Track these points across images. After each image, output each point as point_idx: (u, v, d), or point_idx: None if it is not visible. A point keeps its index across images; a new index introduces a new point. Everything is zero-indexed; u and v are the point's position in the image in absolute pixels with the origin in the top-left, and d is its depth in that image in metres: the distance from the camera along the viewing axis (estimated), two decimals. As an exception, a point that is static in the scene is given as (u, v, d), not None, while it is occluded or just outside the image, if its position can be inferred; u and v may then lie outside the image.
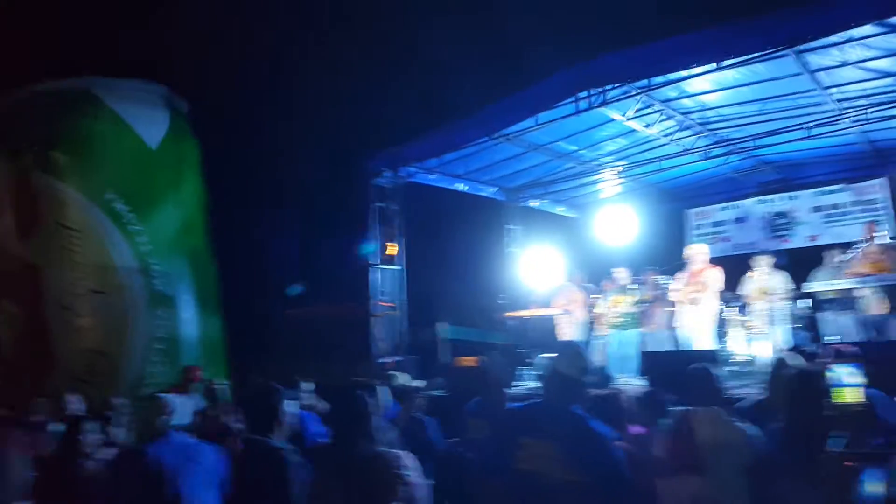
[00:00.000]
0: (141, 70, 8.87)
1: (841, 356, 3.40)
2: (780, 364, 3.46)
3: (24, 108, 8.89)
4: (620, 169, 9.95)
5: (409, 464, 2.57)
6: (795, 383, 2.86)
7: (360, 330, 9.37)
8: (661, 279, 9.05)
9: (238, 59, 9.73)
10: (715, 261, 8.49)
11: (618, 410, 3.31)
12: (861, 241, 7.69)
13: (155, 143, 9.29)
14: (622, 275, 8.77)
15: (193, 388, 6.89)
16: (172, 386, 6.88)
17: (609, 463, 2.47)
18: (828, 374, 1.96)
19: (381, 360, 9.05)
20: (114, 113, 9.00)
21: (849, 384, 1.98)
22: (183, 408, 5.14)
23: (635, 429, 3.77)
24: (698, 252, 8.19)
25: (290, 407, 3.44)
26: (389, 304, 9.28)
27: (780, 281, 8.05)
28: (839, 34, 5.95)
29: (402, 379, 6.12)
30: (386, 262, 9.29)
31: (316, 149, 10.16)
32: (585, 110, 7.48)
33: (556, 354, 2.74)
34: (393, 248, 9.28)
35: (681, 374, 3.65)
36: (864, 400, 1.98)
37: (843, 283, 7.40)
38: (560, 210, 12.04)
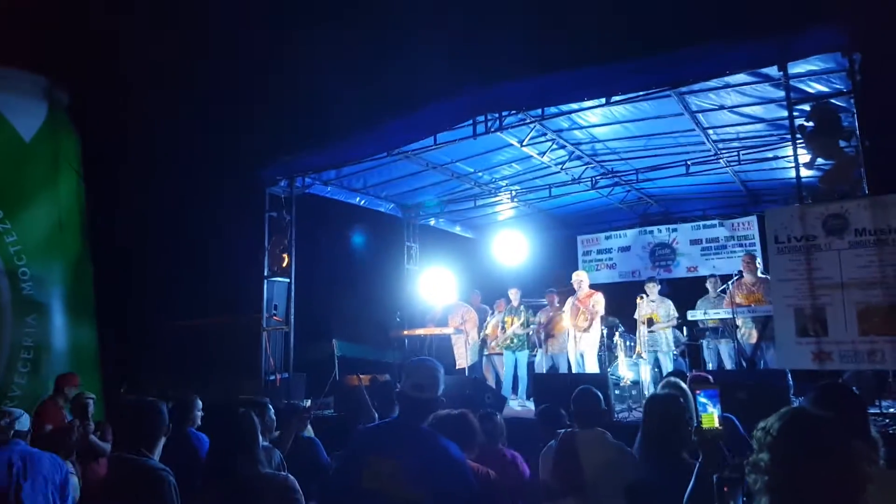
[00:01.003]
0: (18, 58, 8.24)
1: (701, 383, 3.65)
2: (663, 386, 3.61)
3: None
4: (514, 193, 10.25)
5: (294, 486, 2.48)
6: (657, 404, 2.99)
7: (248, 344, 9.03)
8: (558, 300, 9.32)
9: (131, 54, 9.24)
10: (601, 286, 8.85)
11: (467, 433, 3.25)
12: (738, 274, 8.15)
13: (29, 136, 8.67)
14: (514, 296, 8.98)
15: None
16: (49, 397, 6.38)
17: (456, 480, 2.43)
18: (691, 400, 2.12)
19: (269, 377, 8.77)
20: (-19, 103, 8.33)
21: (709, 410, 2.15)
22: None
23: (509, 452, 3.79)
24: (581, 278, 8.52)
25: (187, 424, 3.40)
26: (279, 319, 9.01)
27: (667, 308, 8.46)
28: (717, 79, 6.38)
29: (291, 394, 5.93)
30: (278, 274, 9.02)
31: (210, 152, 9.77)
32: (483, 133, 7.64)
33: (406, 373, 2.69)
34: (286, 260, 9.03)
35: (568, 395, 3.73)
36: (718, 426, 2.10)
37: (720, 313, 7.88)
38: (457, 230, 12.22)
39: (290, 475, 2.53)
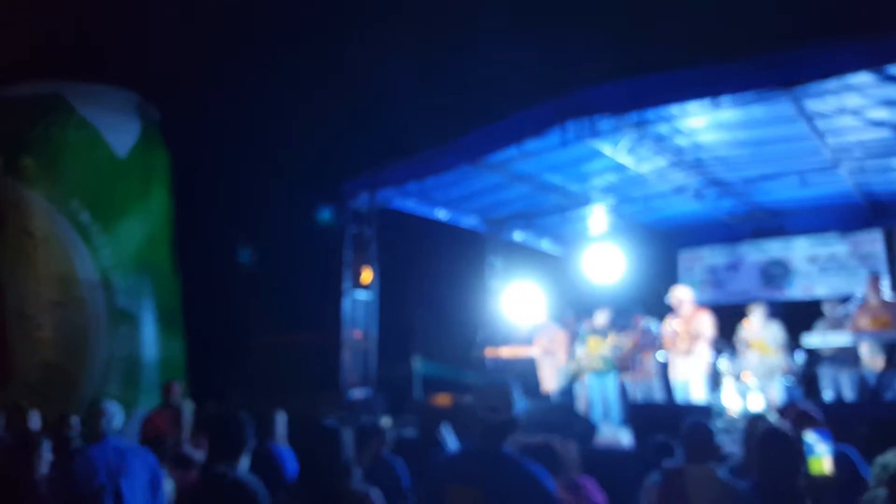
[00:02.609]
0: (113, 76, 8.57)
1: (804, 420, 3.21)
2: (754, 420, 3.48)
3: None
4: (608, 205, 9.60)
5: (378, 502, 2.54)
6: (764, 443, 2.73)
7: (329, 360, 8.93)
8: (650, 322, 8.67)
9: (216, 71, 9.45)
10: (706, 308, 8.14)
11: (552, 460, 3.15)
12: (861, 295, 7.39)
13: (124, 152, 8.98)
14: (601, 317, 8.37)
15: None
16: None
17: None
18: (802, 438, 1.73)
19: (349, 394, 8.58)
20: (83, 119, 8.73)
21: (817, 452, 1.71)
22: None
23: (581, 479, 3.61)
24: (682, 294, 7.84)
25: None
26: (360, 334, 8.83)
27: (775, 332, 7.72)
28: (836, 81, 5.72)
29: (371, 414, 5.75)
30: (359, 290, 8.85)
31: (291, 168, 9.82)
32: (572, 141, 7.14)
33: (477, 396, 2.63)
34: (367, 276, 8.84)
35: (673, 427, 3.57)
36: (830, 471, 1.86)
37: (842, 338, 7.08)
38: (544, 244, 11.66)
39: (373, 490, 2.60)
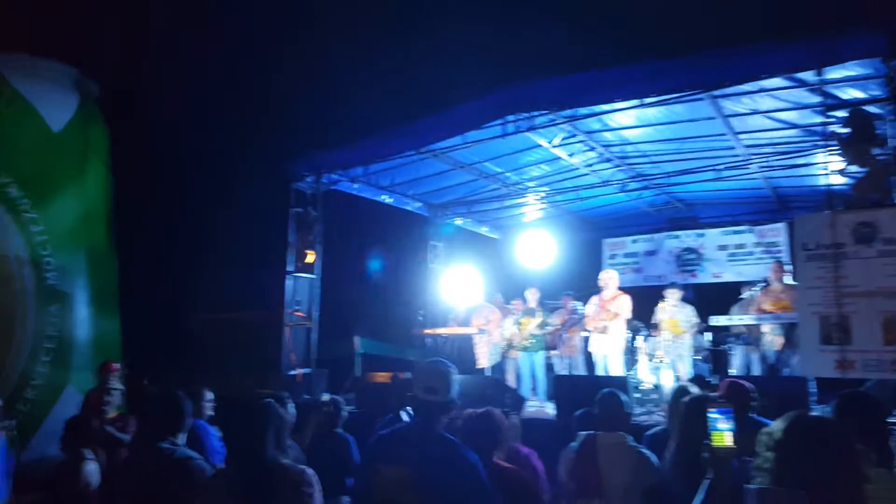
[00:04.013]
0: (49, 47, 8.29)
1: (739, 393, 3.57)
2: (679, 391, 3.56)
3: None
4: (543, 195, 10.14)
5: (313, 480, 2.44)
6: (687, 409, 2.91)
7: (270, 339, 9.02)
8: (577, 304, 9.26)
9: (160, 46, 9.27)
10: (626, 291, 8.77)
11: (494, 430, 3.26)
12: (765, 281, 8.09)
13: (59, 127, 8.69)
14: (532, 296, 8.90)
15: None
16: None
17: (471, 485, 2.41)
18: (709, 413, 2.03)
19: (290, 372, 8.74)
20: (16, 92, 8.37)
21: (719, 428, 2.04)
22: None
23: (524, 449, 3.80)
24: (609, 277, 8.44)
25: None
26: (302, 315, 8.99)
27: (687, 314, 8.39)
28: (751, 83, 6.26)
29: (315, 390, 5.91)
30: (302, 270, 8.99)
31: (237, 146, 9.78)
32: (512, 133, 7.55)
33: (417, 376, 2.68)
34: (311, 256, 8.99)
35: (590, 398, 3.72)
36: (731, 444, 2.00)
37: (745, 319, 7.78)
38: (483, 230, 12.14)
39: (308, 469, 2.49)
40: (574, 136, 8.06)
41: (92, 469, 4.12)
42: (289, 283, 8.87)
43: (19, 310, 8.34)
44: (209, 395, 4.53)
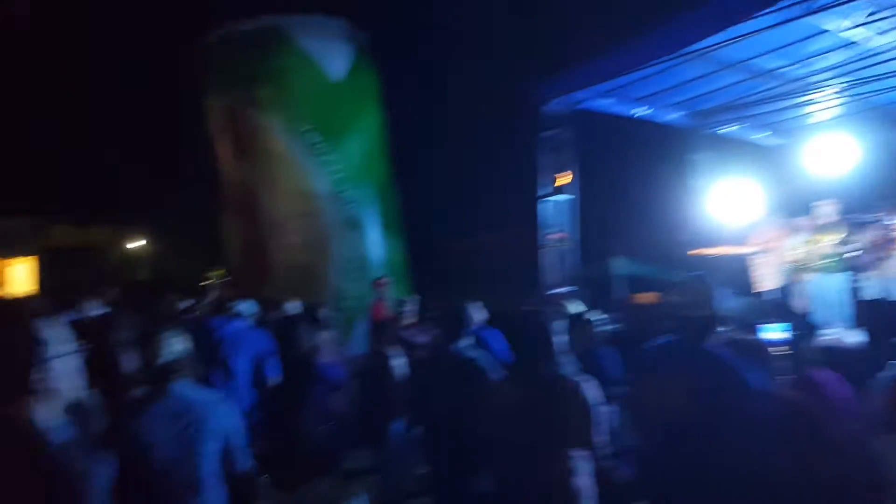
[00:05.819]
0: (322, 4, 9.24)
1: None
2: None
3: (226, 49, 9.83)
4: (838, 89, 8.47)
5: (592, 389, 2.65)
6: None
7: (528, 261, 9.30)
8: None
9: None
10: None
11: (761, 360, 2.97)
12: None
13: (339, 77, 9.82)
14: (827, 210, 7.65)
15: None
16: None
17: (736, 398, 2.38)
18: None
19: (550, 292, 8.96)
20: (302, 49, 9.61)
21: None
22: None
23: (819, 375, 3.36)
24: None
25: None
26: (560, 236, 9.06)
27: None
28: None
29: (577, 308, 5.97)
30: (557, 193, 9.00)
31: (484, 76, 9.97)
32: (796, 18, 6.32)
33: (677, 293, 2.70)
34: (565, 178, 8.94)
35: None
36: None
37: None
38: (758, 137, 10.67)
39: (582, 381, 2.70)
40: (879, 10, 6.47)
41: (400, 363, 4.64)
42: (544, 205, 8.96)
43: (330, 237, 9.85)
44: (483, 308, 4.89)
